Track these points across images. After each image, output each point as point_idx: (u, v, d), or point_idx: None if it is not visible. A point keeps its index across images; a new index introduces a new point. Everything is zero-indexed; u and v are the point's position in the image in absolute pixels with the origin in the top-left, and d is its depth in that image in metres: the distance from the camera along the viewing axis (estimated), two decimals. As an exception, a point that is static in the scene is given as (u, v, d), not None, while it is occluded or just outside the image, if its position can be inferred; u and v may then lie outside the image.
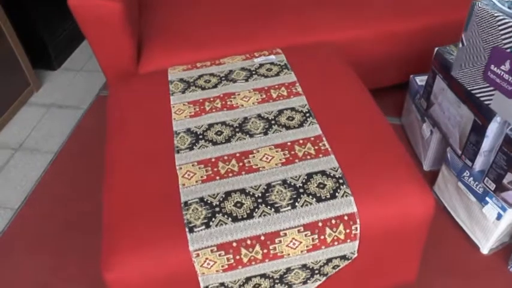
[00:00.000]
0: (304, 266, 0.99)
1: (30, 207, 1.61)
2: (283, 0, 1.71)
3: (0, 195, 1.68)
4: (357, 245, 1.00)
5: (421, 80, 1.60)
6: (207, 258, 0.93)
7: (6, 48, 1.95)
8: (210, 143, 1.12)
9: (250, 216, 0.96)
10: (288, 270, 0.99)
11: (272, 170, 1.04)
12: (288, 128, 1.15)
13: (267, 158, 1.07)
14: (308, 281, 1.03)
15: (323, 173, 1.02)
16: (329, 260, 1.00)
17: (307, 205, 0.97)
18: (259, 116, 1.19)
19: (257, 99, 1.24)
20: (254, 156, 1.08)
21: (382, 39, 1.63)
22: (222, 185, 1.02)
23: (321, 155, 1.06)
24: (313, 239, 0.96)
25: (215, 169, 1.05)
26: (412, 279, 1.16)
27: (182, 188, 1.02)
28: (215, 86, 1.30)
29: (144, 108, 1.25)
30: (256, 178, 1.03)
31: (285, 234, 0.95)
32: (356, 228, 0.97)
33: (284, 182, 1.01)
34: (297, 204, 0.97)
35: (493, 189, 1.23)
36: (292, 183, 1.01)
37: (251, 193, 1.00)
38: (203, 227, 0.94)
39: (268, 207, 0.97)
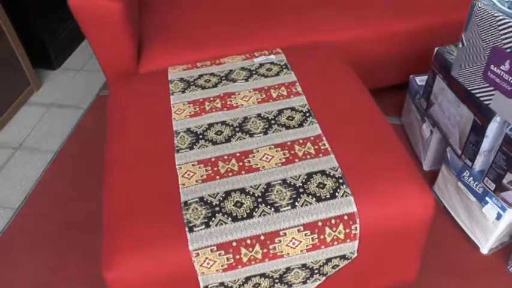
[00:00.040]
0: (303, 266, 0.99)
1: (30, 206, 1.61)
2: (283, 0, 1.71)
3: (0, 194, 1.68)
4: (357, 244, 1.00)
5: (421, 80, 1.60)
6: (206, 258, 0.93)
7: (6, 47, 1.95)
8: (210, 143, 1.12)
9: (250, 215, 0.96)
10: (288, 269, 0.99)
11: (272, 169, 1.04)
12: (287, 127, 1.15)
13: (266, 158, 1.07)
14: (308, 281, 1.03)
15: (323, 172, 1.02)
16: (329, 260, 1.00)
17: (307, 205, 0.97)
18: (259, 116, 1.19)
19: (257, 99, 1.24)
20: (254, 156, 1.08)
21: (382, 39, 1.63)
22: (221, 184, 1.02)
23: (320, 155, 1.06)
24: (312, 239, 0.96)
25: (215, 169, 1.06)
26: (411, 279, 1.16)
27: (182, 188, 1.02)
28: (215, 86, 1.30)
29: (144, 108, 1.25)
30: (256, 178, 1.03)
31: (285, 233, 0.95)
32: (356, 228, 0.97)
33: (284, 181, 1.01)
34: (296, 203, 0.97)
35: (492, 189, 1.23)
36: (292, 183, 1.01)
37: (251, 193, 1.00)
38: (203, 226, 0.94)
39: (268, 206, 0.97)
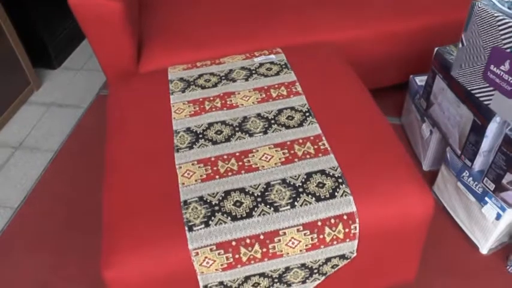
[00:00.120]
0: (303, 265, 0.99)
1: (30, 206, 1.62)
2: (283, 0, 1.71)
3: (0, 193, 1.68)
4: (356, 244, 1.00)
5: (421, 80, 1.60)
6: (206, 257, 0.93)
7: (6, 47, 1.95)
8: (210, 142, 1.12)
9: (249, 215, 0.96)
10: (287, 269, 0.99)
11: (271, 169, 1.04)
12: (287, 127, 1.15)
13: (266, 157, 1.07)
14: (307, 280, 1.03)
15: (322, 172, 1.02)
16: (328, 260, 1.00)
17: (306, 204, 0.97)
18: (258, 115, 1.19)
19: (257, 99, 1.24)
20: (254, 156, 1.08)
21: (382, 39, 1.63)
22: (221, 184, 1.02)
23: (320, 155, 1.06)
24: (312, 238, 0.96)
25: (215, 168, 1.06)
26: (411, 279, 1.16)
27: (182, 187, 1.02)
28: (215, 85, 1.30)
29: (144, 108, 1.25)
30: (255, 177, 1.03)
31: (284, 233, 0.95)
32: (355, 227, 0.97)
33: (283, 181, 1.01)
34: (296, 203, 0.97)
35: (492, 189, 1.23)
36: (292, 183, 1.01)
37: (250, 192, 1.00)
38: (202, 225, 0.95)
39: (268, 206, 0.97)
